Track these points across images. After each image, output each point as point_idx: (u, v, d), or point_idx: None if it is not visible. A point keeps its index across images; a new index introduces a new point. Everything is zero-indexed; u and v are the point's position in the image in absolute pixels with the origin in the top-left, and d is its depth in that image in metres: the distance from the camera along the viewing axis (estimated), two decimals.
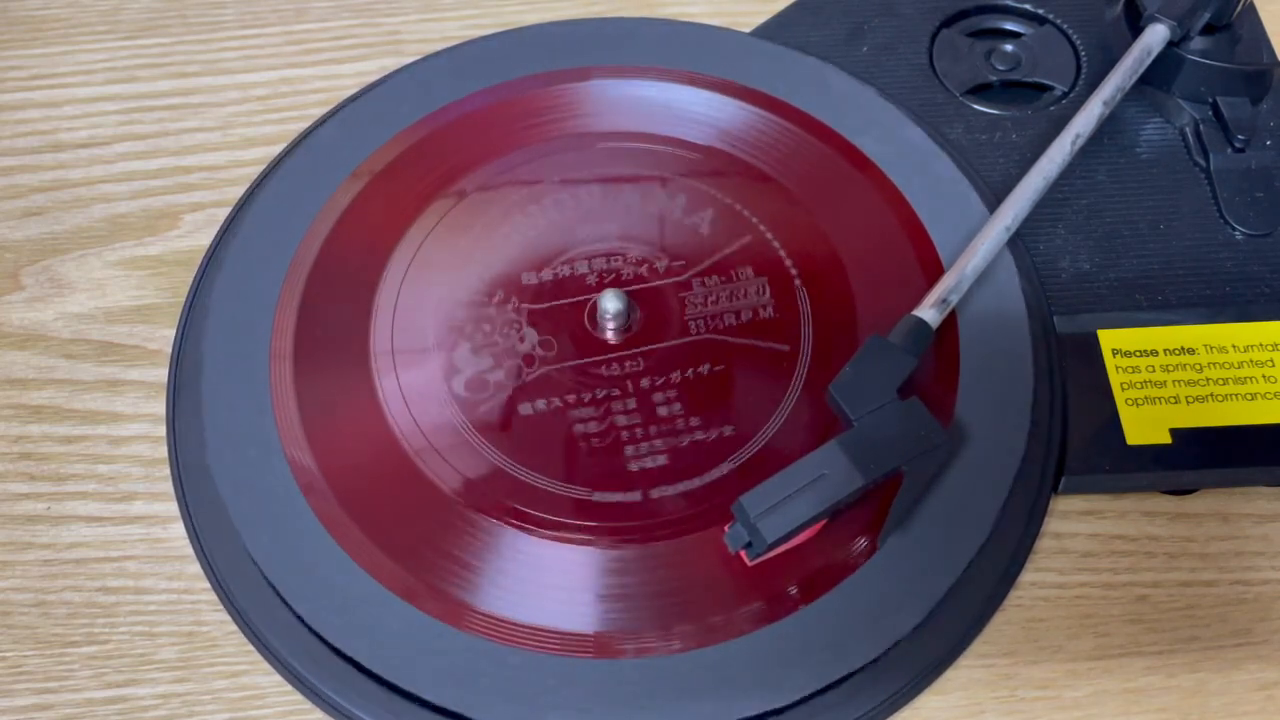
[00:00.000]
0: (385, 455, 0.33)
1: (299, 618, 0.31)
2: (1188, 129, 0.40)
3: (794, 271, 0.37)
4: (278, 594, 0.31)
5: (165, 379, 0.37)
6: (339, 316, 0.36)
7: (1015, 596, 0.33)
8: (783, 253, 0.37)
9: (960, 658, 0.32)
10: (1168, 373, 0.35)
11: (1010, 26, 0.44)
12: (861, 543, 0.32)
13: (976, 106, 0.41)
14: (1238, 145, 0.39)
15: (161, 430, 0.36)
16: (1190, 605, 0.33)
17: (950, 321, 0.35)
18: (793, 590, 0.31)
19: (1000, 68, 0.42)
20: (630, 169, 0.39)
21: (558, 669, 0.30)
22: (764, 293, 0.36)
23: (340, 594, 0.31)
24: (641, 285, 0.36)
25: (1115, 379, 0.35)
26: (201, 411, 0.34)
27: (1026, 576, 0.34)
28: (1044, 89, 0.42)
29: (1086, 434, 0.34)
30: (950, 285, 0.34)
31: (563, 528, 0.32)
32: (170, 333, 0.38)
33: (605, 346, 0.35)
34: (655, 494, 0.33)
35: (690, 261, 0.37)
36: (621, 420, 0.34)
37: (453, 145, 0.39)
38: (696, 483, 0.33)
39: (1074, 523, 0.35)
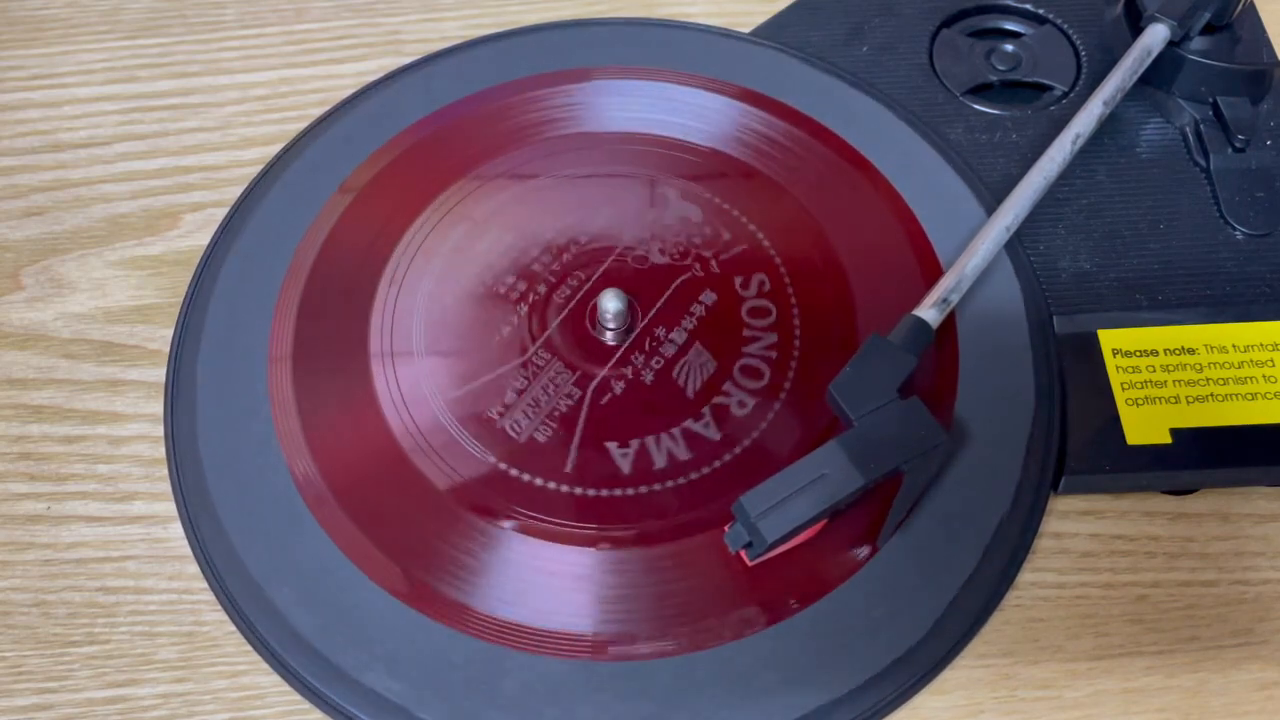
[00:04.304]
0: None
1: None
2: (1188, 129, 0.40)
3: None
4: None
5: (165, 379, 0.36)
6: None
7: (1015, 596, 0.33)
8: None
9: (959, 657, 0.32)
10: (1168, 373, 0.35)
11: (1010, 26, 0.44)
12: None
13: (976, 106, 0.41)
14: (1238, 145, 0.39)
15: (161, 430, 0.36)
16: (1190, 605, 0.33)
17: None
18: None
19: (1000, 68, 0.42)
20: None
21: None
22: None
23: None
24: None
25: (1115, 379, 0.35)
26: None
27: (1026, 576, 0.34)
28: (1044, 89, 0.42)
29: (1086, 434, 0.34)
30: (950, 285, 0.34)
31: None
32: (170, 333, 0.37)
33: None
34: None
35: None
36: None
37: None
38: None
39: (1074, 523, 0.35)
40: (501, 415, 0.34)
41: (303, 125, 0.42)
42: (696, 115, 0.40)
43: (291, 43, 0.45)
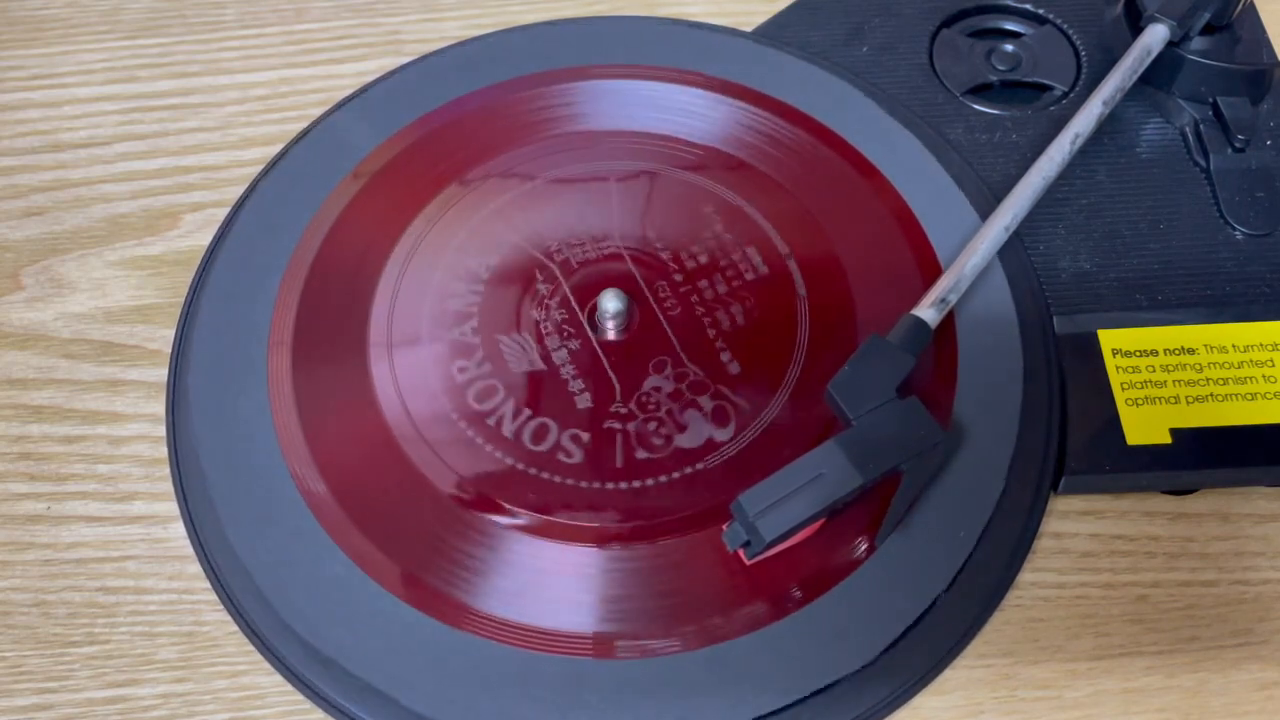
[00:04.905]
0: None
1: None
2: (1188, 129, 0.40)
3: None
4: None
5: (165, 379, 0.37)
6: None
7: (1015, 596, 0.33)
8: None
9: (959, 658, 0.32)
10: (1168, 373, 0.35)
11: (1010, 26, 0.44)
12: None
13: (976, 106, 0.41)
14: (1238, 145, 0.39)
15: (161, 430, 0.36)
16: (1190, 605, 0.33)
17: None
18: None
19: (1000, 68, 0.42)
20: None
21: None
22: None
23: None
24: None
25: (1115, 379, 0.35)
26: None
27: (1026, 576, 0.34)
28: (1044, 89, 0.42)
29: (1086, 434, 0.34)
30: (949, 285, 0.34)
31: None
32: (170, 333, 0.38)
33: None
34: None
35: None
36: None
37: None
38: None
39: (1074, 523, 0.34)
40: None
41: (303, 125, 0.42)
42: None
43: (291, 43, 0.45)
